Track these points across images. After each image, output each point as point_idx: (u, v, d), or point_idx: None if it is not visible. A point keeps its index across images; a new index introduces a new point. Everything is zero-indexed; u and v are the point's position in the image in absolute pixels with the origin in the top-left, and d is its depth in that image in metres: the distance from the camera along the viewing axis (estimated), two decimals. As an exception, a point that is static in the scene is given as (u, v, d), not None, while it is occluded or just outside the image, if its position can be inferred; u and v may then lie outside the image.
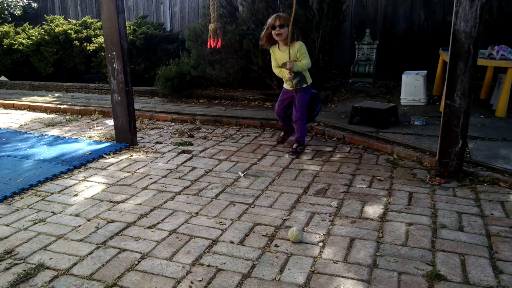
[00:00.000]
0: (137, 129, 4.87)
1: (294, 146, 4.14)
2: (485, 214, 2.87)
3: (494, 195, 3.14)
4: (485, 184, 3.33)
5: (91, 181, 3.59)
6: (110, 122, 5.36)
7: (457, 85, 3.21)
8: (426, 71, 5.75)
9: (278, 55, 4.11)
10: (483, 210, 2.92)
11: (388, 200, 3.12)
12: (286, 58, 3.99)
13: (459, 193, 3.19)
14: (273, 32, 3.97)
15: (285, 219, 2.85)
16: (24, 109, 6.54)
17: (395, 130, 4.51)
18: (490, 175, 3.37)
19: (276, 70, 4.20)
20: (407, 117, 4.94)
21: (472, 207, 2.96)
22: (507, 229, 2.66)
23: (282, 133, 4.51)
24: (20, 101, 6.74)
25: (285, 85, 4.25)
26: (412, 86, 5.56)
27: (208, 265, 2.35)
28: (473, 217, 2.82)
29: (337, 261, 2.36)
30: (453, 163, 3.37)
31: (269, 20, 4.00)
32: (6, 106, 6.68)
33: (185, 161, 4.02)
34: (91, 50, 7.80)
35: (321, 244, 2.54)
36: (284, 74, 4.10)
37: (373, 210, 2.95)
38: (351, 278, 2.21)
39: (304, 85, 4.11)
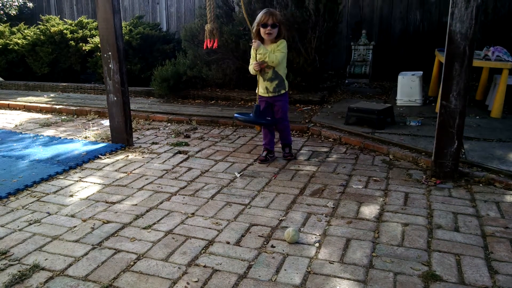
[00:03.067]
0: (133, 130, 4.86)
1: (287, 150, 4.05)
2: (480, 214, 2.88)
3: (489, 196, 3.15)
4: (481, 185, 3.34)
5: (86, 181, 3.58)
6: (106, 122, 5.35)
7: (453, 86, 3.22)
8: (422, 72, 5.76)
9: (258, 52, 3.68)
10: (478, 211, 2.93)
11: (384, 200, 3.12)
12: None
13: (454, 194, 3.20)
14: (262, 29, 3.64)
15: (281, 220, 2.85)
16: (19, 109, 6.51)
17: (391, 130, 4.52)
18: (486, 176, 3.38)
19: (251, 67, 3.80)
20: (403, 118, 4.95)
21: (467, 208, 2.97)
22: (503, 230, 2.67)
23: (266, 152, 3.99)
24: (15, 101, 6.70)
25: (260, 92, 3.86)
26: (408, 87, 5.58)
27: (204, 266, 2.34)
28: (468, 218, 2.83)
29: (333, 261, 2.37)
30: (449, 164, 3.38)
31: (260, 16, 3.64)
32: (1, 107, 6.65)
33: (181, 162, 4.02)
34: (87, 50, 7.77)
35: (317, 244, 2.54)
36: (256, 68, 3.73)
37: (369, 211, 2.96)
38: (347, 279, 2.21)
39: (283, 91, 3.83)
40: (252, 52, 3.75)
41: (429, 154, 3.75)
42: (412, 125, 4.69)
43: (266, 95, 3.86)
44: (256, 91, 3.90)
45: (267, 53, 3.65)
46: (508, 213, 2.88)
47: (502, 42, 6.17)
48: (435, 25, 7.34)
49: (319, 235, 2.65)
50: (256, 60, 3.71)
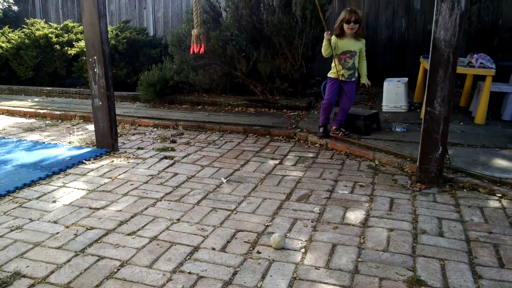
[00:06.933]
0: (119, 135, 4.82)
1: (343, 129, 4.57)
2: (464, 219, 2.90)
3: (473, 201, 3.18)
4: (465, 190, 3.38)
5: (70, 187, 3.53)
6: (91, 127, 5.28)
7: (437, 93, 3.26)
8: (407, 79, 5.83)
9: (341, 44, 4.38)
10: (462, 216, 2.95)
11: (369, 206, 3.13)
12: (349, 47, 4.38)
13: (439, 199, 3.23)
14: (346, 25, 4.26)
15: (267, 225, 2.84)
16: (2, 113, 6.40)
17: (377, 136, 4.55)
18: (470, 181, 3.42)
19: (323, 50, 4.41)
20: (389, 124, 4.99)
21: (452, 213, 3.00)
22: (486, 234, 2.70)
23: (322, 129, 4.65)
24: (-2, 105, 6.60)
25: (333, 75, 4.50)
26: (393, 93, 5.63)
27: (189, 272, 2.32)
28: (453, 223, 2.85)
29: (319, 267, 2.36)
30: (434, 169, 3.41)
31: (344, 14, 4.27)
32: (-17, 111, 6.54)
33: (167, 167, 3.99)
34: (72, 54, 7.70)
35: (303, 250, 2.54)
36: (326, 47, 4.37)
37: (355, 216, 2.96)
38: (333, 284, 2.21)
39: (353, 79, 4.50)
40: (334, 43, 4.36)
41: (414, 159, 3.78)
42: (398, 131, 4.73)
43: (339, 78, 4.47)
44: (328, 74, 4.57)
45: (363, 71, 4.57)
46: (491, 218, 2.91)
47: (486, 49, 6.28)
48: (420, 32, 7.43)
49: (305, 240, 2.65)
50: (339, 53, 4.41)
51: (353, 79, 4.49)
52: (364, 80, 4.58)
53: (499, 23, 6.81)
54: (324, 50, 4.39)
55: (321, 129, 4.66)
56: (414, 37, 7.49)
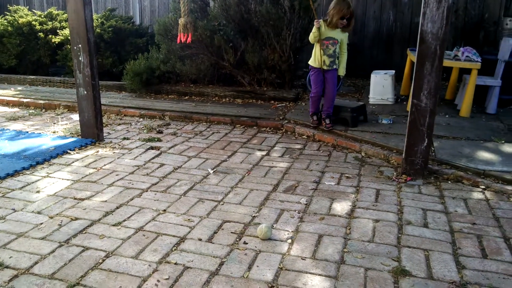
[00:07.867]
0: (104, 125, 4.75)
1: (328, 121, 4.57)
2: (449, 211, 2.94)
3: (457, 193, 3.23)
4: (449, 182, 3.42)
5: (54, 177, 3.48)
6: (76, 117, 5.21)
7: (424, 85, 3.28)
8: (394, 71, 5.85)
9: (326, 30, 4.39)
10: (447, 207, 2.99)
11: (356, 197, 3.15)
12: (333, 35, 4.39)
13: (424, 191, 3.26)
14: (340, 20, 4.30)
15: (254, 216, 2.84)
16: (-16, 102, 6.27)
17: (364, 128, 4.57)
18: (454, 173, 3.46)
19: (314, 35, 4.42)
20: (375, 116, 5.01)
21: (436, 204, 3.03)
22: (470, 226, 2.74)
23: (316, 117, 4.70)
24: (-20, 94, 6.46)
25: (315, 65, 4.50)
26: (380, 86, 5.65)
27: (176, 263, 2.31)
28: (437, 214, 2.89)
29: (305, 257, 2.37)
30: (419, 161, 3.44)
31: (343, 10, 4.26)
32: (-35, 99, 6.39)
33: (153, 158, 3.95)
34: (57, 42, 7.55)
35: (289, 241, 2.54)
36: (316, 34, 4.39)
37: (341, 207, 2.98)
38: (319, 275, 2.22)
39: (335, 67, 4.50)
40: (315, 29, 4.37)
41: (400, 151, 3.80)
42: (384, 123, 4.76)
43: (322, 66, 4.48)
44: (310, 62, 4.57)
45: (343, 64, 4.57)
46: (475, 210, 2.95)
47: (472, 43, 6.33)
48: (407, 25, 7.46)
49: (292, 231, 2.65)
50: (322, 38, 4.40)
51: (335, 66, 4.49)
52: (341, 72, 4.57)
53: (485, 17, 6.86)
54: (314, 37, 4.39)
55: (314, 117, 4.69)
56: (401, 30, 7.51)
